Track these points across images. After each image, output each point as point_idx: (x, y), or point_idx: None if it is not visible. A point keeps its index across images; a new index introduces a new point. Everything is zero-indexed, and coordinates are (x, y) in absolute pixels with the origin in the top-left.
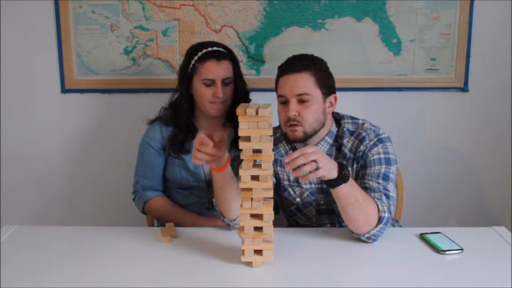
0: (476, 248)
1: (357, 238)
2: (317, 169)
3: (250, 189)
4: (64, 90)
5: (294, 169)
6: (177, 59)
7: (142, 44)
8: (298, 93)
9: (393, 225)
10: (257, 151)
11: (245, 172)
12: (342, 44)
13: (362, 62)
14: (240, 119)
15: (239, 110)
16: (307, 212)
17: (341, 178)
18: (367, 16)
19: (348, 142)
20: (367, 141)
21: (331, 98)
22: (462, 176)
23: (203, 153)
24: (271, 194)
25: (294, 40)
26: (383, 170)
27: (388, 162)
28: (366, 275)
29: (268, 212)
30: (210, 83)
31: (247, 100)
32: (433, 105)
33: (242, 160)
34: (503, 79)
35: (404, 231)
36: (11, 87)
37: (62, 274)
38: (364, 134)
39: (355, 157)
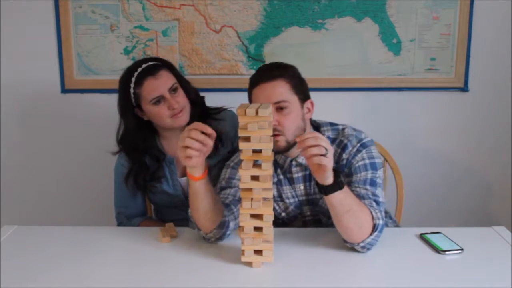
0: (476, 248)
1: None
2: (324, 155)
3: (250, 189)
4: (64, 90)
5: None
6: (177, 59)
7: (142, 44)
8: (276, 101)
9: (387, 225)
10: (257, 151)
11: (245, 172)
12: (342, 44)
13: (362, 62)
14: (240, 119)
15: (239, 110)
16: (293, 225)
17: (337, 185)
18: (367, 16)
19: None
20: (350, 148)
21: (307, 103)
22: (462, 176)
23: (193, 139)
24: (271, 194)
25: (294, 40)
26: (369, 175)
27: (373, 167)
28: (366, 275)
29: (268, 212)
30: (160, 100)
31: (200, 98)
32: (433, 105)
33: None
34: (503, 79)
35: (404, 231)
36: (11, 87)
37: (62, 274)
38: (345, 141)
39: (338, 166)
